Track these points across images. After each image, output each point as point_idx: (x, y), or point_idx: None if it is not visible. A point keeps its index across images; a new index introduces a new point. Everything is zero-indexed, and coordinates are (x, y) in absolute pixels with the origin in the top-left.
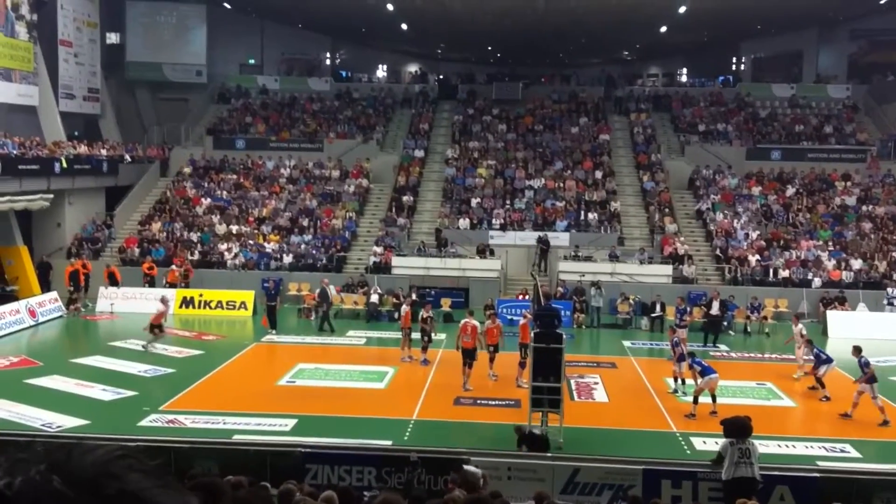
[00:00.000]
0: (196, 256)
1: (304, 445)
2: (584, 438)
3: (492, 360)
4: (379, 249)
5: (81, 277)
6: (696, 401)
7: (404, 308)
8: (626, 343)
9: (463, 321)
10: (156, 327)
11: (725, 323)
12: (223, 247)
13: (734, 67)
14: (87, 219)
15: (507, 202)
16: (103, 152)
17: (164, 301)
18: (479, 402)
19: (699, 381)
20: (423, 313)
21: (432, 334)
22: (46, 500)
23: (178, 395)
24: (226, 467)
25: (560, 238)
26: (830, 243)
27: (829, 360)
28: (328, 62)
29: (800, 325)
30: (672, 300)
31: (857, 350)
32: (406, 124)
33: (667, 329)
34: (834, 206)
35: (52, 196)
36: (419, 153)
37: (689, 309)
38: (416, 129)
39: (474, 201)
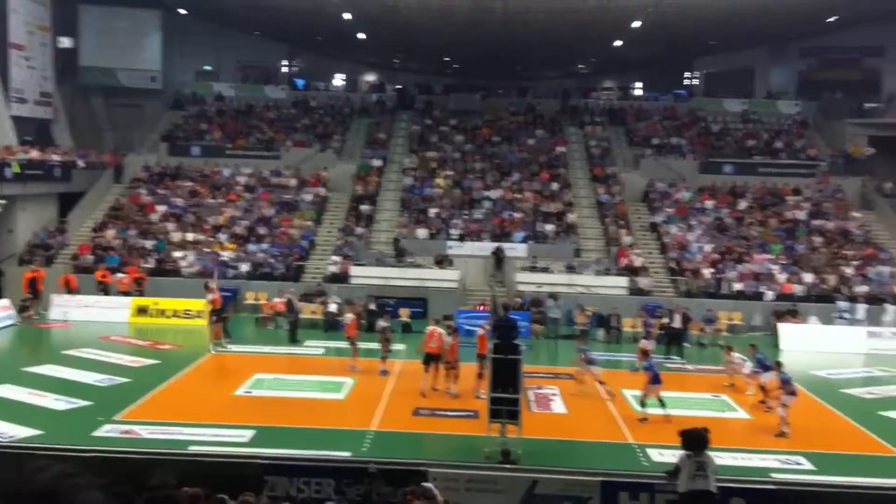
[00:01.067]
0: (151, 264)
1: (262, 457)
2: (543, 450)
3: (454, 376)
4: (337, 259)
5: (41, 284)
6: (643, 405)
7: (349, 317)
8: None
9: (429, 328)
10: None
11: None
12: (178, 254)
13: (687, 82)
14: (40, 225)
15: (465, 212)
16: (56, 158)
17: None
18: (437, 413)
19: (648, 386)
20: (380, 323)
21: (390, 345)
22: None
23: (134, 405)
24: (182, 479)
25: (517, 249)
26: (782, 257)
27: (770, 369)
28: (285, 70)
29: (733, 354)
30: (628, 312)
31: (778, 365)
32: (364, 133)
33: (623, 341)
34: (785, 220)
35: (5, 202)
36: (377, 162)
37: (651, 321)
38: (374, 138)
39: (432, 211)
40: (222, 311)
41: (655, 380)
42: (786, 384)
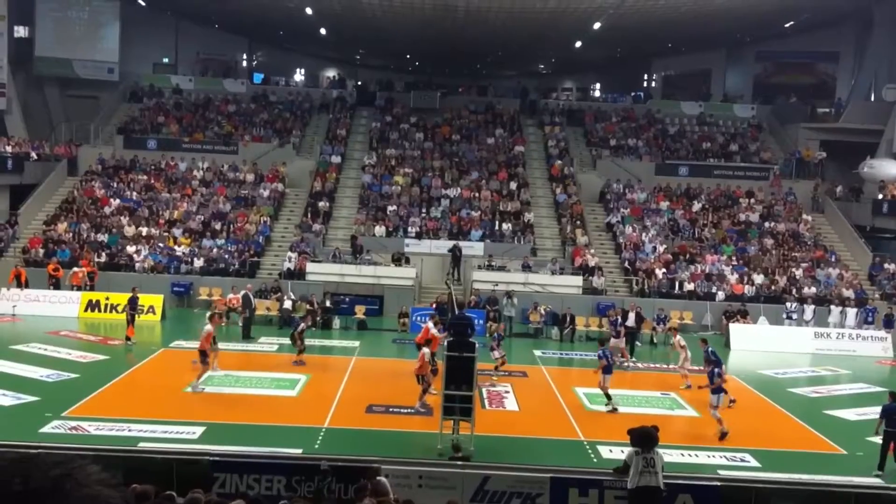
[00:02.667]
0: (103, 258)
1: (212, 453)
2: (495, 446)
3: (425, 391)
4: (293, 255)
5: None
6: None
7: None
8: (537, 352)
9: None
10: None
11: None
12: (132, 249)
13: (645, 84)
14: None
15: (424, 210)
16: (8, 149)
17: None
18: (391, 410)
19: (602, 377)
20: (301, 325)
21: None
22: (6, 501)
23: (82, 401)
24: (130, 476)
25: (475, 247)
26: (734, 258)
27: (719, 363)
28: (245, 64)
29: (678, 336)
30: (582, 311)
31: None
32: (323, 129)
33: (577, 339)
34: (738, 221)
35: None
36: (336, 159)
37: (620, 320)
38: (334, 134)
39: (390, 209)
40: (133, 309)
41: (608, 370)
42: (714, 377)
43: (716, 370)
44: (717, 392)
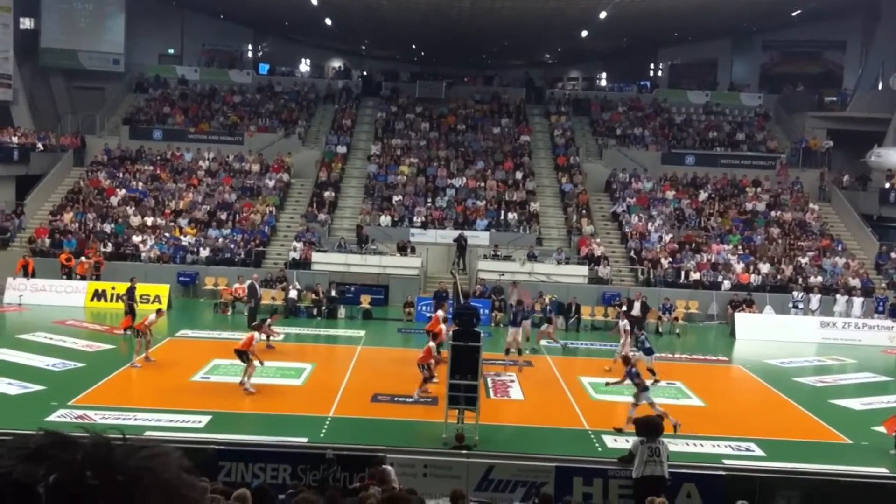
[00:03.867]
0: (109, 248)
1: (218, 442)
2: (499, 436)
3: (426, 380)
4: (299, 245)
5: None
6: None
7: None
8: (542, 342)
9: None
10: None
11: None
12: (138, 239)
13: (651, 74)
14: None
15: (429, 200)
16: (14, 140)
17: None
18: (396, 399)
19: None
20: (268, 320)
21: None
22: (79, 495)
23: (88, 390)
24: None
25: (480, 237)
26: (740, 247)
27: (650, 351)
28: (250, 55)
29: (624, 321)
30: (588, 300)
31: (626, 360)
32: (329, 120)
33: (583, 328)
34: (744, 211)
35: None
36: (341, 149)
37: (549, 308)
38: (339, 124)
39: (396, 198)
40: (131, 298)
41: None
42: (634, 378)
43: (633, 370)
44: (644, 390)
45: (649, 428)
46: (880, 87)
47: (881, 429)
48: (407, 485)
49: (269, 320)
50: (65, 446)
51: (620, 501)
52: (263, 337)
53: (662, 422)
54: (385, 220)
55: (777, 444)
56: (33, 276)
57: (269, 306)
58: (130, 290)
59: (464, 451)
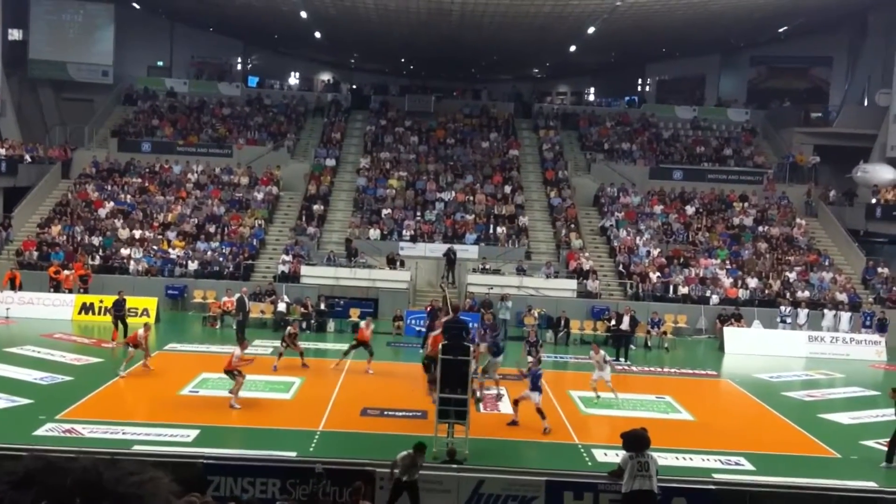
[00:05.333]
0: (97, 261)
1: (207, 456)
2: (489, 450)
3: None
4: (288, 258)
5: None
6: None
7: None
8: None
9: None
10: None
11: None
12: (126, 252)
13: (640, 89)
14: None
15: (418, 214)
16: (2, 151)
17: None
18: (385, 413)
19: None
20: (290, 329)
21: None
22: None
23: (76, 403)
24: None
25: (469, 251)
26: (728, 262)
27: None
28: (239, 67)
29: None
30: (576, 314)
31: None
32: (318, 133)
33: (572, 342)
34: (732, 225)
35: None
36: (331, 162)
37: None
38: (328, 137)
39: (385, 212)
40: (119, 310)
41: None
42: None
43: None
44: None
45: (636, 442)
46: (866, 103)
47: (873, 442)
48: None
49: (289, 329)
50: (54, 472)
51: None
52: (240, 352)
53: (648, 433)
54: (374, 233)
55: (767, 458)
56: (20, 288)
57: (284, 319)
58: (118, 303)
59: (454, 466)
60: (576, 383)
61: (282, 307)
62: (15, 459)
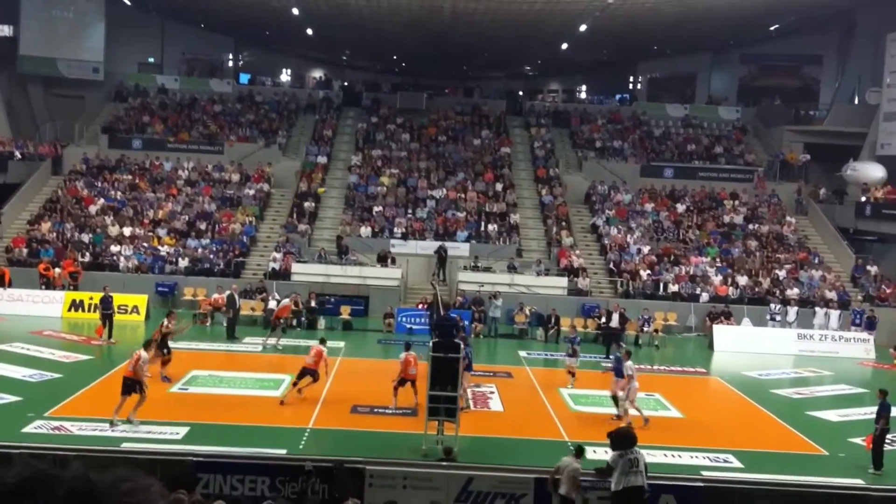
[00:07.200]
0: (87, 258)
1: (196, 454)
2: (479, 447)
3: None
4: (279, 255)
5: None
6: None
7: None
8: (522, 353)
9: (405, 355)
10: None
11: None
12: (116, 249)
13: (631, 87)
14: None
15: (409, 211)
16: None
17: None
18: (375, 410)
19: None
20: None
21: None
22: None
23: (65, 400)
24: None
25: (460, 248)
26: (718, 259)
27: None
28: (231, 64)
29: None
30: (567, 312)
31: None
32: (309, 130)
33: (562, 340)
34: (722, 223)
35: None
36: (322, 159)
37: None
38: (320, 135)
39: (376, 209)
40: (107, 308)
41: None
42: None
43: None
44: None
45: (624, 439)
46: (856, 101)
47: (859, 440)
48: (386, 497)
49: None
50: (45, 482)
51: None
52: (147, 356)
53: (634, 430)
54: (365, 230)
55: (755, 455)
56: (10, 285)
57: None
58: (105, 300)
59: (443, 463)
60: (566, 381)
61: (273, 304)
62: (4, 459)
